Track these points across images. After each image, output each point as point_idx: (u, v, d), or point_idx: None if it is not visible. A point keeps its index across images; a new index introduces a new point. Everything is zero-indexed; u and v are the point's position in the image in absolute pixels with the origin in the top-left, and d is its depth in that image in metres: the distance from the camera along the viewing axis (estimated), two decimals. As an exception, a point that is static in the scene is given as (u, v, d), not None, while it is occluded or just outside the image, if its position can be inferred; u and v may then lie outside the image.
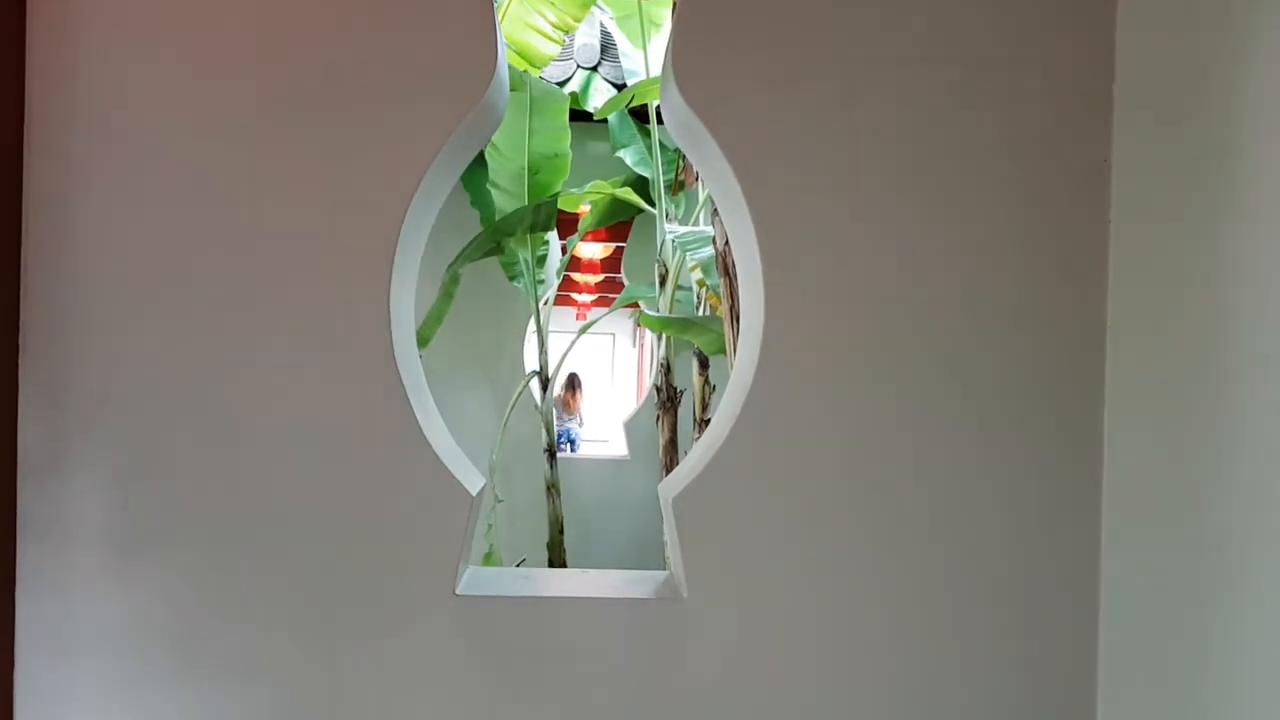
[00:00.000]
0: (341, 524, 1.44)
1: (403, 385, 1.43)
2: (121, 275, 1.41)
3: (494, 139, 4.28)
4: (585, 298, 9.47)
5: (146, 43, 1.41)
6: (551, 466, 4.88)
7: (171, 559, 1.43)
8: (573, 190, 4.50)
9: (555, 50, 4.26)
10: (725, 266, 2.84)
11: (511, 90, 4.10)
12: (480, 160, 4.45)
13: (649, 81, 4.02)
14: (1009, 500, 1.49)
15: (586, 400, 8.65)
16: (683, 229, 3.92)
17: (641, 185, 4.76)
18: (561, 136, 4.31)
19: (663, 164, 4.55)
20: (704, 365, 4.49)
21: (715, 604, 1.48)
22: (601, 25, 5.18)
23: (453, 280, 4.51)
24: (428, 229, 1.59)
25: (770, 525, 1.48)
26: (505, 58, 1.51)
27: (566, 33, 4.23)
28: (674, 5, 2.06)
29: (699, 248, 3.57)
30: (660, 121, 4.42)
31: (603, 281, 8.22)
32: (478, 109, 1.44)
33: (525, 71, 4.18)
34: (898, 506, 1.48)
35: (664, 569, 1.97)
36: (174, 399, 1.42)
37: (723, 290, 2.88)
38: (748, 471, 1.47)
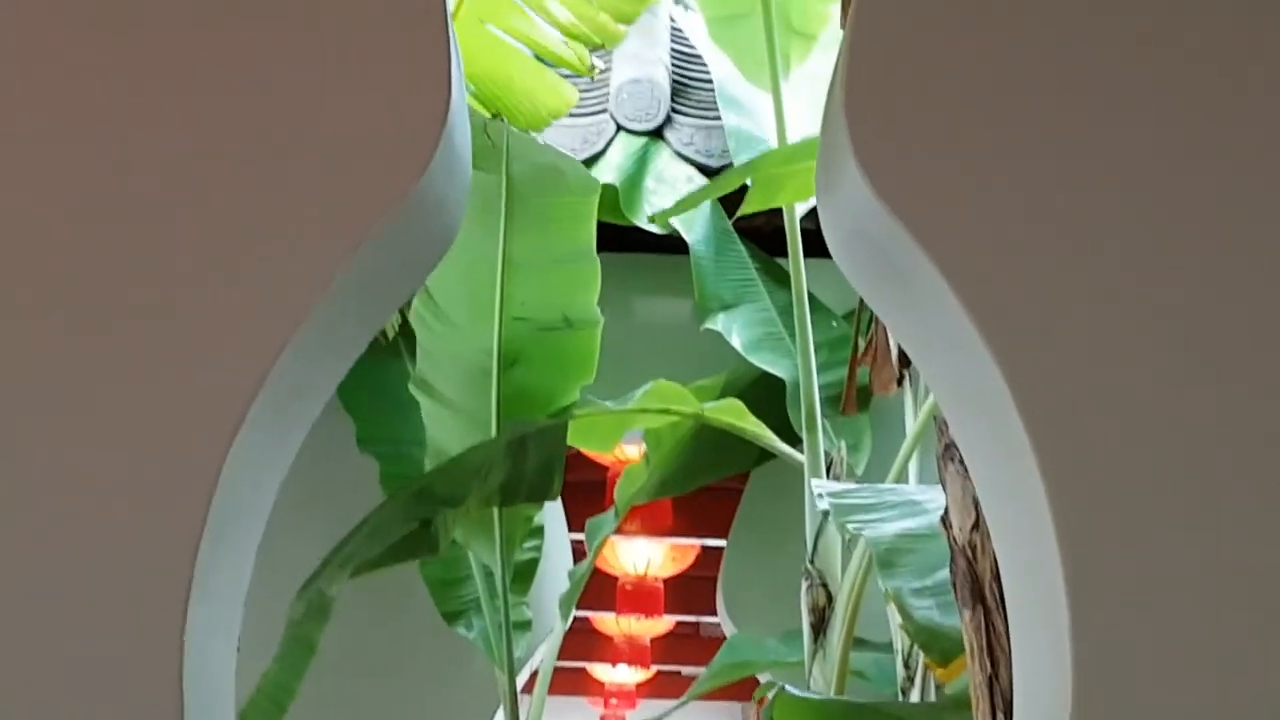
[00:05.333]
0: None
1: None
2: None
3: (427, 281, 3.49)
4: (628, 676, 7.46)
5: None
6: None
7: None
8: (601, 404, 3.41)
9: (571, 97, 3.34)
10: (971, 579, 2.17)
11: (475, 167, 3.10)
12: (383, 343, 3.56)
13: (789, 153, 3.04)
14: None
15: None
16: (850, 489, 3.17)
17: (765, 392, 3.63)
18: (583, 276, 3.30)
19: (819, 346, 3.59)
20: (930, 832, 3.25)
21: None
22: (674, 35, 4.01)
23: (311, 615, 3.41)
24: (266, 509, 1.38)
25: None
26: (463, 99, 1.25)
27: (598, 49, 3.28)
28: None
29: (884, 520, 2.79)
30: (813, 252, 3.43)
31: (671, 630, 6.31)
32: (397, 218, 1.21)
33: (497, 118, 3.22)
34: None
35: None
36: None
37: (969, 636, 2.14)
38: None
